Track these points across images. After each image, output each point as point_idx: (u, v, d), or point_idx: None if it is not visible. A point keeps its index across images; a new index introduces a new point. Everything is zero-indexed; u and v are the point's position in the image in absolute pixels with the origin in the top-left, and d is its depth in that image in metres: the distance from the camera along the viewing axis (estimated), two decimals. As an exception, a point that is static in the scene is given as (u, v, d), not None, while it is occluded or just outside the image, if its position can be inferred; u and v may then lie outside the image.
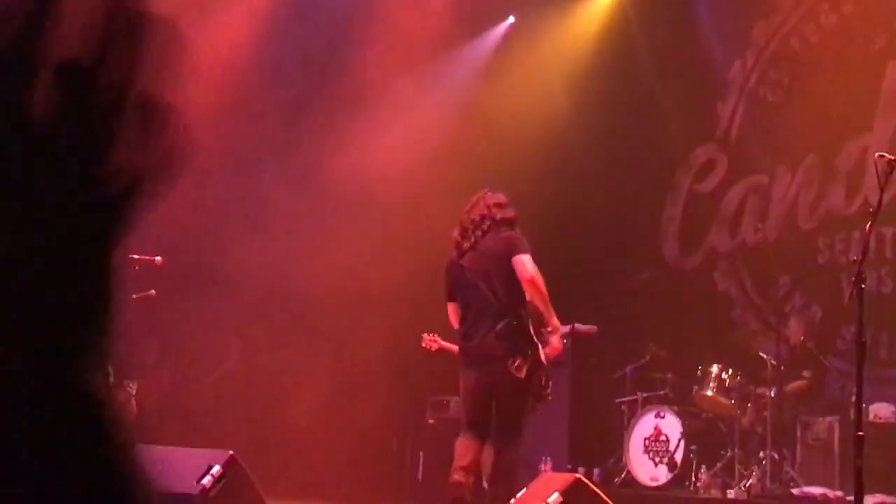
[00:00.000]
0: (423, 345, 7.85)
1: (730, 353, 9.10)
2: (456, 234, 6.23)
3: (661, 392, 9.25)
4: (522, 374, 5.81)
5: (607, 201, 10.82)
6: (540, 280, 5.95)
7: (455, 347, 6.79)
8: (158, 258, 8.43)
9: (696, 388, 8.83)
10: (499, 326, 5.91)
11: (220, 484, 5.40)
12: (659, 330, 9.76)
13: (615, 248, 10.71)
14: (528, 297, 5.99)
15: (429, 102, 10.37)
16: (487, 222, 6.12)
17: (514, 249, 6.01)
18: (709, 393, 8.72)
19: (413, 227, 10.07)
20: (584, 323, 9.03)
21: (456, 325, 6.25)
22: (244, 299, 10.48)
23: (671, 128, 10.92)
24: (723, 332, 9.88)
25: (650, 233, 11.08)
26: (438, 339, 7.63)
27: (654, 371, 9.42)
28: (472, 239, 6.12)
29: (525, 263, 5.95)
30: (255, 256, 10.45)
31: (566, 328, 7.12)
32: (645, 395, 9.29)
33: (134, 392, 10.31)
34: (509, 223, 6.15)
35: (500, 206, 6.17)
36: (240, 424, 10.26)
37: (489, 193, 6.26)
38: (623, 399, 9.45)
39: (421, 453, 9.46)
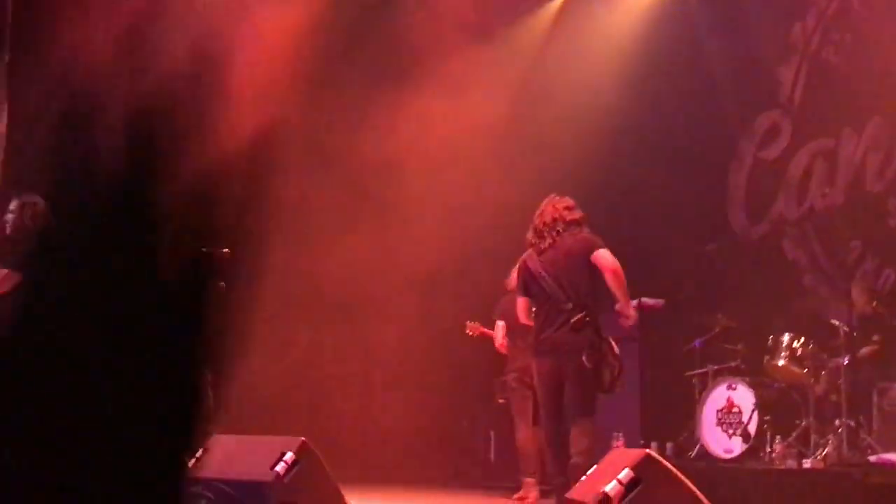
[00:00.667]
0: (467, 331, 8.83)
1: (801, 321, 8.98)
2: (530, 235, 6.85)
3: (732, 363, 9.15)
4: (591, 366, 6.46)
5: (670, 173, 10.70)
6: (620, 270, 6.59)
7: (493, 333, 8.49)
8: (226, 250, 8.56)
9: (767, 358, 8.73)
10: (573, 320, 6.50)
11: (294, 470, 5.46)
12: (728, 301, 9.66)
13: (680, 220, 10.60)
14: (608, 284, 6.61)
15: (483, 80, 10.31)
16: (560, 224, 6.74)
17: (592, 247, 6.62)
18: (781, 362, 8.62)
19: (473, 208, 10.10)
20: (651, 297, 8.98)
21: (523, 319, 6.91)
22: (311, 288, 10.58)
23: (732, 95, 10.78)
24: (793, 300, 9.76)
25: (716, 203, 10.96)
26: (480, 326, 8.69)
27: (724, 342, 9.33)
28: (549, 240, 6.73)
29: (606, 255, 6.59)
30: (321, 244, 10.55)
31: (634, 302, 7.21)
32: (716, 367, 9.20)
33: (210, 381, 10.50)
34: (578, 223, 6.76)
35: (568, 208, 6.81)
36: (310, 411, 10.40)
37: (557, 198, 6.88)
38: (693, 372, 9.38)
39: (492, 433, 9.48)
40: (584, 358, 6.43)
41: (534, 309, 6.82)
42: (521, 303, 6.87)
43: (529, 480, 8.26)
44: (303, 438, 5.66)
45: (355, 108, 10.24)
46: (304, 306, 10.99)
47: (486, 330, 8.84)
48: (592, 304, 6.63)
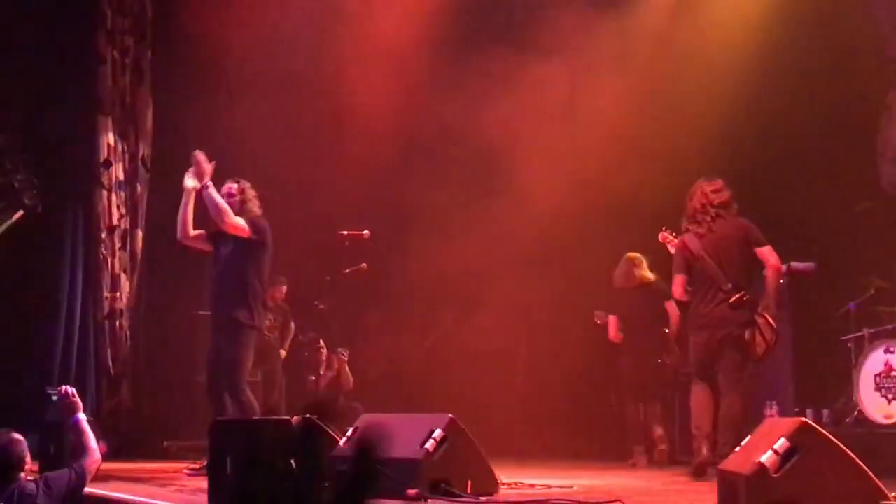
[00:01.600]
0: (595, 320, 9.51)
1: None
2: (685, 222, 7.33)
3: (889, 326, 8.82)
4: (750, 340, 7.03)
5: (815, 130, 10.35)
6: (781, 270, 7.30)
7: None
8: (366, 232, 8.69)
9: (925, 318, 8.40)
10: (732, 299, 7.02)
11: (443, 447, 5.49)
12: (881, 261, 9.30)
13: (828, 179, 10.23)
14: (768, 278, 7.18)
15: (605, 58, 10.17)
16: (712, 209, 7.22)
17: (753, 238, 7.17)
18: (940, 323, 8.29)
19: (601, 186, 9.98)
20: (801, 261, 8.74)
21: (679, 295, 7.43)
22: (454, 267, 10.63)
23: (883, 44, 10.34)
24: (950, 258, 9.34)
25: (865, 159, 10.55)
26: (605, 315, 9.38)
27: (879, 304, 8.99)
28: (706, 225, 7.22)
29: (772, 254, 7.16)
30: (460, 222, 10.62)
31: (784, 267, 7.62)
32: (871, 330, 8.88)
33: (346, 358, 10.68)
34: (726, 205, 7.23)
35: (716, 191, 7.25)
36: (457, 388, 10.40)
37: (705, 182, 7.31)
38: (849, 336, 9.07)
39: (641, 407, 9.38)
40: (745, 334, 7.00)
41: (689, 288, 7.31)
42: (678, 280, 7.30)
43: (639, 448, 9.03)
44: (451, 415, 5.68)
45: (474, 89, 10.22)
46: (448, 286, 11.05)
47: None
48: (748, 284, 7.17)
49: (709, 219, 7.23)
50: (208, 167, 7.21)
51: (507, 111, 10.03)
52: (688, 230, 7.32)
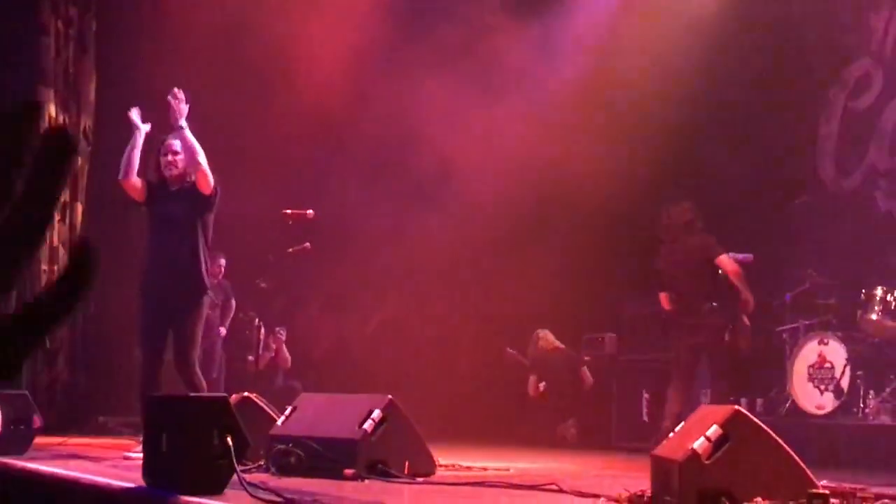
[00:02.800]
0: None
1: (894, 274, 8.76)
2: (662, 235, 8.20)
3: (824, 318, 8.97)
4: (728, 340, 7.96)
5: (758, 124, 10.48)
6: (740, 271, 7.95)
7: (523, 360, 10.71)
8: (310, 211, 8.60)
9: (860, 312, 8.54)
10: (706, 307, 7.91)
11: (381, 428, 5.50)
12: (818, 254, 9.46)
13: (769, 173, 10.38)
14: (732, 280, 7.91)
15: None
16: (679, 228, 8.05)
17: (713, 252, 7.93)
18: (874, 317, 8.43)
19: (565, 181, 10.02)
20: (739, 251, 8.83)
21: (666, 307, 8.15)
22: (400, 247, 10.62)
23: (822, 44, 10.48)
24: (886, 253, 9.49)
25: (805, 154, 10.70)
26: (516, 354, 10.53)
27: (814, 297, 9.14)
28: (674, 241, 8.07)
29: (728, 262, 7.94)
30: (409, 204, 10.61)
31: (739, 269, 8.03)
32: (807, 322, 9.03)
33: (283, 338, 10.64)
34: (689, 224, 8.03)
35: (679, 213, 8.09)
36: (398, 371, 10.46)
37: (671, 204, 8.17)
38: (784, 327, 9.22)
39: (645, 393, 9.52)
40: (724, 337, 7.91)
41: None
42: (663, 297, 8.17)
43: None
44: (389, 396, 5.69)
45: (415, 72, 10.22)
46: (393, 268, 11.05)
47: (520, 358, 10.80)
48: (720, 291, 7.99)
49: (676, 236, 8.06)
50: (185, 107, 6.77)
51: (453, 96, 10.02)
52: (663, 244, 8.21)
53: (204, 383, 6.66)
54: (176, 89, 6.76)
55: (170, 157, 6.77)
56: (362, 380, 10.03)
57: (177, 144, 6.78)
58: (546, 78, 10.33)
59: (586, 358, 10.60)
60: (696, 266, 7.93)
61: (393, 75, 10.36)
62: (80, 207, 10.48)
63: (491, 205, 10.58)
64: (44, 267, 10.17)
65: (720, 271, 7.94)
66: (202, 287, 6.70)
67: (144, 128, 6.82)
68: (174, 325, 6.63)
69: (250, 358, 9.91)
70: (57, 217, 10.22)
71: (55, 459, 6.03)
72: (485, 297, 11.18)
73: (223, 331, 10.65)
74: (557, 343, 10.72)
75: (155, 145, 6.92)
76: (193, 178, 6.76)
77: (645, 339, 9.90)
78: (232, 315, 10.75)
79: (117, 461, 6.22)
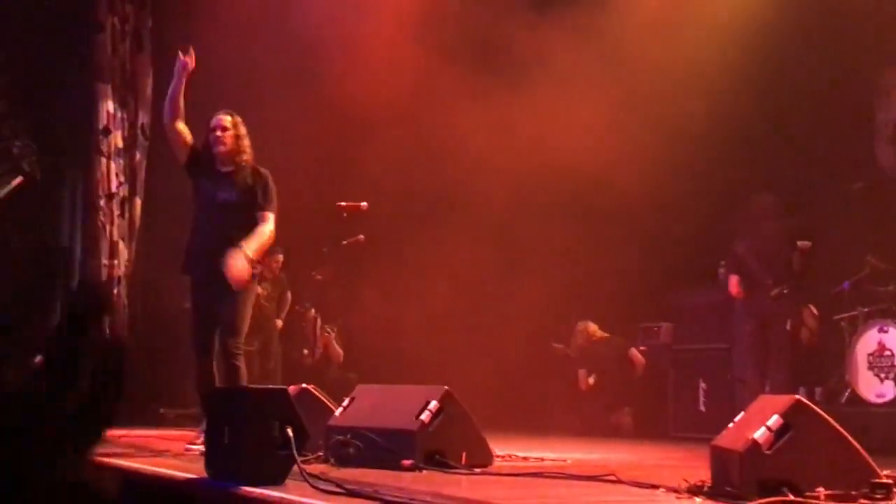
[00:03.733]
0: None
1: (955, 260, 8.62)
2: (741, 224, 8.52)
3: (883, 305, 8.82)
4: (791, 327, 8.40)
5: (812, 110, 10.32)
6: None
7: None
8: (364, 203, 8.65)
9: (920, 299, 8.41)
10: (774, 292, 8.23)
11: (438, 418, 5.49)
12: (877, 241, 9.29)
13: (825, 159, 10.22)
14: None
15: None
16: (759, 217, 8.42)
17: (792, 241, 8.31)
18: (935, 303, 8.29)
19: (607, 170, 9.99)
20: (797, 240, 8.73)
21: (734, 291, 8.49)
22: (452, 239, 10.62)
23: (878, 29, 10.29)
24: (947, 238, 9.34)
25: (862, 139, 10.53)
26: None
27: (874, 284, 8.99)
28: (754, 229, 8.43)
29: (804, 254, 8.37)
30: (461, 196, 10.67)
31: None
32: (866, 309, 8.88)
33: (332, 335, 10.71)
34: (769, 213, 8.41)
35: (763, 203, 8.50)
36: (454, 360, 10.40)
37: (755, 197, 8.57)
38: (843, 315, 9.08)
39: (702, 383, 9.43)
40: (789, 325, 8.28)
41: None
42: (732, 279, 8.45)
43: None
44: (446, 387, 5.68)
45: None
46: (445, 258, 11.05)
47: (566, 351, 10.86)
48: (790, 278, 8.33)
49: (754, 225, 8.44)
50: (190, 61, 6.51)
51: (494, 89, 10.05)
52: (739, 231, 8.55)
53: (245, 372, 6.58)
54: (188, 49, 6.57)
55: (218, 133, 6.57)
56: (416, 370, 10.03)
57: (226, 120, 6.59)
58: (591, 68, 10.24)
59: (641, 347, 10.52)
60: (773, 253, 8.25)
61: (439, 71, 10.33)
62: (138, 202, 10.62)
63: (539, 195, 10.61)
64: (104, 261, 10.32)
65: (796, 259, 8.29)
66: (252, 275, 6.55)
67: (187, 64, 6.51)
68: (221, 310, 6.50)
69: (305, 351, 9.97)
70: (116, 212, 10.37)
71: (117, 451, 6.10)
72: (534, 288, 11.09)
73: (279, 323, 10.75)
74: (601, 332, 10.65)
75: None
76: (243, 159, 6.59)
77: (702, 328, 9.82)
78: (288, 307, 10.83)
79: (179, 453, 6.28)
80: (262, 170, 6.69)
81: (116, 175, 10.47)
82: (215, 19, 10.12)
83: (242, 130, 6.66)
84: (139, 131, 10.63)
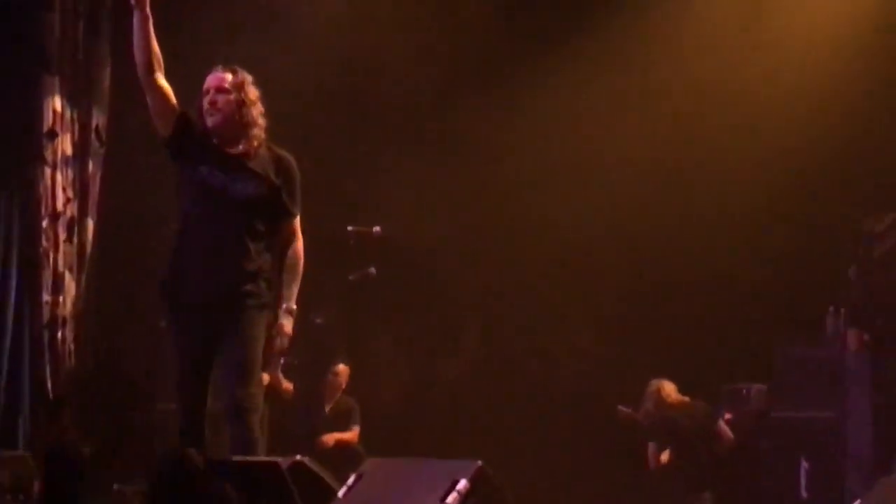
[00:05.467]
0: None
1: None
2: (860, 258, 8.47)
3: None
4: None
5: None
6: None
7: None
8: (377, 228, 8.77)
9: None
10: None
11: (469, 502, 5.49)
12: None
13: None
14: None
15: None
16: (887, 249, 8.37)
17: None
18: None
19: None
20: None
21: (854, 348, 8.48)
22: (487, 274, 10.75)
23: None
24: None
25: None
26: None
27: None
28: (880, 266, 8.39)
29: None
30: (501, 223, 10.82)
31: None
32: None
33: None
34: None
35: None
36: (485, 426, 10.55)
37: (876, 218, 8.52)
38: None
39: (804, 461, 9.37)
40: None
41: None
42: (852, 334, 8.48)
43: None
44: (479, 463, 5.68)
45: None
46: (475, 295, 11.07)
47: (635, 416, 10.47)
48: None
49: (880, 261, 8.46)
50: None
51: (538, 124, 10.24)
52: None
53: (261, 440, 6.05)
54: None
55: (211, 96, 5.99)
56: (441, 440, 10.03)
57: (225, 78, 6.01)
58: (663, 98, 10.56)
59: (727, 415, 10.45)
60: None
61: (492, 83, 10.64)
62: (90, 224, 10.59)
63: (597, 226, 10.76)
64: (46, 298, 10.32)
65: None
66: (265, 295, 5.98)
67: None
68: (223, 347, 5.93)
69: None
70: (62, 236, 10.38)
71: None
72: (592, 337, 11.23)
73: (267, 378, 10.67)
74: (679, 395, 10.57)
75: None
76: (255, 136, 6.00)
77: (804, 392, 9.76)
78: (279, 359, 10.77)
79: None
80: (282, 152, 6.13)
81: (63, 189, 10.43)
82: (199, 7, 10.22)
83: (252, 94, 6.03)
84: (93, 135, 10.60)
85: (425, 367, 11.68)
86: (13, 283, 10.30)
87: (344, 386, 10.70)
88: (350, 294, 9.40)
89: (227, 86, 5.93)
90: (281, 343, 5.95)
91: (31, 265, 10.34)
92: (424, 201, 10.98)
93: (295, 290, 6.00)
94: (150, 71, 5.94)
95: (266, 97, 6.11)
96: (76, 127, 10.58)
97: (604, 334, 11.14)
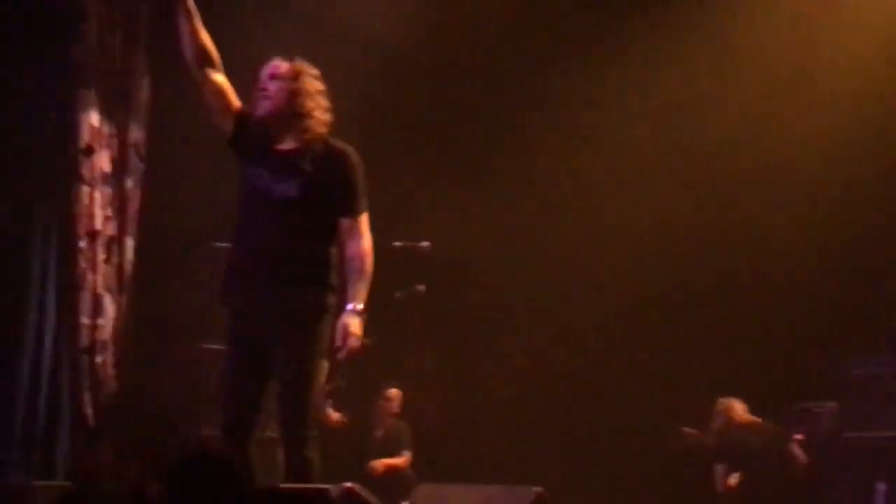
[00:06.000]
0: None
1: None
2: None
3: None
4: None
5: None
6: None
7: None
8: (426, 243, 8.64)
9: None
10: None
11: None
12: None
13: None
14: None
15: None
16: None
17: None
18: None
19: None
20: None
21: None
22: (540, 293, 10.93)
23: None
24: None
25: None
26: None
27: None
28: None
29: None
30: (558, 236, 10.88)
31: None
32: None
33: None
34: None
35: None
36: (541, 450, 10.62)
37: None
38: None
39: (880, 484, 9.29)
40: None
41: None
42: None
43: None
44: (537, 489, 5.62)
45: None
46: (532, 322, 11.24)
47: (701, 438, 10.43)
48: None
49: None
50: None
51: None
52: None
53: (318, 466, 5.77)
54: None
55: (262, 83, 5.85)
56: (496, 465, 10.03)
57: (280, 66, 5.83)
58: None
59: (797, 436, 10.30)
60: None
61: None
62: (130, 243, 10.55)
63: (656, 230, 10.88)
64: (84, 321, 10.26)
65: None
66: (329, 303, 5.74)
67: None
68: (277, 363, 5.71)
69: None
70: (101, 256, 10.31)
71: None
72: (647, 355, 11.22)
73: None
74: (749, 416, 10.44)
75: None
76: (310, 129, 5.77)
77: (880, 411, 9.72)
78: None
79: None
80: (341, 145, 5.88)
81: (102, 208, 10.41)
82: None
83: (310, 85, 5.83)
84: (132, 150, 10.56)
85: (472, 387, 11.72)
86: (51, 305, 10.23)
87: (396, 410, 10.70)
88: (397, 313, 9.26)
89: (280, 73, 5.79)
90: (350, 344, 5.66)
91: (69, 287, 10.24)
92: (467, 216, 11.02)
93: (361, 289, 5.70)
94: (200, 66, 5.87)
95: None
96: (114, 143, 10.53)
97: (662, 351, 11.17)
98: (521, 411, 11.30)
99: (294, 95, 5.74)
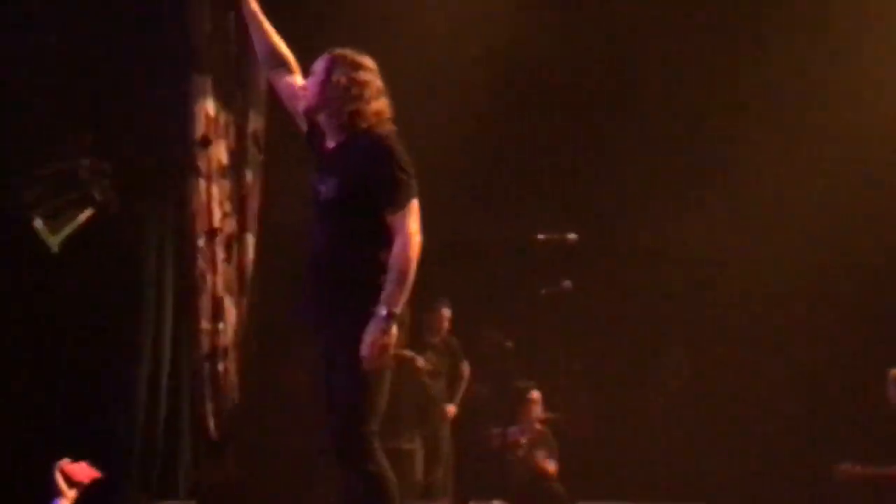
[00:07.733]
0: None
1: None
2: None
3: None
4: None
5: None
6: None
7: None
8: (573, 235, 8.53)
9: None
10: None
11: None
12: None
13: None
14: None
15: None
16: None
17: None
18: None
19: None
20: None
21: None
22: (698, 288, 10.89)
23: None
24: None
25: None
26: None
27: None
28: None
29: None
30: (705, 229, 10.77)
31: None
32: None
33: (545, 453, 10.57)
34: None
35: None
36: (710, 466, 10.41)
37: None
38: None
39: None
40: None
41: None
42: None
43: None
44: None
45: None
46: (683, 316, 11.21)
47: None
48: None
49: None
50: None
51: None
52: None
53: (386, 482, 5.50)
54: None
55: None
56: (657, 480, 9.82)
57: (317, 65, 5.77)
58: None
59: None
60: None
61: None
62: (250, 240, 10.52)
63: (826, 236, 10.75)
64: (204, 326, 10.23)
65: None
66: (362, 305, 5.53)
67: None
68: (331, 378, 5.67)
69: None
70: (221, 256, 10.27)
71: None
72: (822, 368, 11.02)
73: (452, 409, 10.75)
74: None
75: None
76: (348, 121, 5.64)
77: None
78: (464, 387, 10.85)
79: None
80: (382, 135, 5.67)
81: (220, 204, 10.37)
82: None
83: (344, 76, 5.69)
84: (251, 141, 10.52)
85: (631, 394, 11.61)
86: (168, 309, 10.22)
87: (541, 415, 10.57)
88: (542, 311, 9.33)
89: (315, 68, 5.75)
90: (362, 352, 5.39)
91: (187, 290, 10.25)
92: (625, 204, 11.06)
93: (392, 292, 5.45)
94: (270, 67, 5.97)
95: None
96: (232, 133, 10.50)
97: (835, 364, 10.93)
98: (689, 418, 11.17)
99: (325, 90, 5.67)
